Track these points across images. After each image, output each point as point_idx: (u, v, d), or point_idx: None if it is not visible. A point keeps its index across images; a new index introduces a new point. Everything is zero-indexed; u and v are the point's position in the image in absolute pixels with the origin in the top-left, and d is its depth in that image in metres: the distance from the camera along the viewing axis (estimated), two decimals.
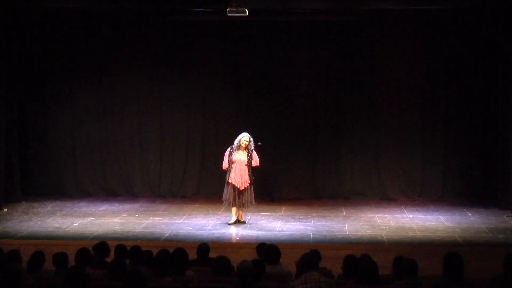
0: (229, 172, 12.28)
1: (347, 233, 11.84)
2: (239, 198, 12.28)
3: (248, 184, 12.30)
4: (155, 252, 7.29)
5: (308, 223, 12.61)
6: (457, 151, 14.99)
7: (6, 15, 14.05)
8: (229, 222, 12.42)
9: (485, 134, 14.77)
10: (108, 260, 7.64)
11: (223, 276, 6.77)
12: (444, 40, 14.88)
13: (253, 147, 12.39)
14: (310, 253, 6.82)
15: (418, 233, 11.82)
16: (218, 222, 12.65)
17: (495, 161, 14.28)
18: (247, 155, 12.30)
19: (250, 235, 11.62)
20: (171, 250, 7.30)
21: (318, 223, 12.62)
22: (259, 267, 6.64)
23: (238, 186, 12.25)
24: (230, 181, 12.27)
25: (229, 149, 12.40)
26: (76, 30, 15.18)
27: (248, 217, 12.89)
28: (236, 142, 12.36)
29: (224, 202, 12.43)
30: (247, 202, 12.35)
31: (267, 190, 15.03)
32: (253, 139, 12.57)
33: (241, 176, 12.25)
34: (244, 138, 12.33)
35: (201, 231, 11.85)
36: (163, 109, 15.42)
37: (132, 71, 15.35)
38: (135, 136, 15.46)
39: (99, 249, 7.72)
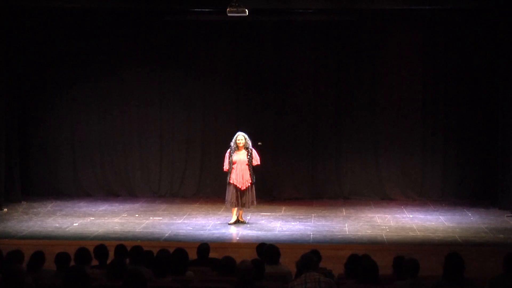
0: (230, 173, 12.28)
1: (347, 233, 11.84)
2: (241, 198, 12.28)
3: (249, 184, 12.30)
4: (155, 252, 7.29)
5: (308, 223, 12.61)
6: (457, 151, 15.00)
7: (6, 15, 14.05)
8: (229, 222, 12.42)
9: (485, 134, 14.77)
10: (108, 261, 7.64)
11: (228, 276, 6.77)
12: (444, 40, 14.88)
13: (251, 146, 12.40)
14: (310, 253, 6.82)
15: (418, 233, 11.83)
16: (218, 222, 12.65)
17: (495, 161, 14.27)
18: (247, 155, 12.31)
19: (250, 235, 11.62)
20: (171, 250, 7.30)
21: (318, 223, 12.62)
22: (259, 267, 6.64)
23: (240, 186, 12.24)
24: (231, 181, 12.27)
25: (228, 150, 12.40)
26: (76, 30, 15.19)
27: (248, 217, 12.89)
28: (232, 143, 12.36)
29: (227, 203, 12.42)
30: (248, 202, 12.35)
31: (267, 190, 15.02)
32: (253, 139, 12.60)
33: (242, 176, 12.26)
34: (238, 137, 12.35)
35: (201, 231, 11.85)
36: (163, 109, 15.42)
37: (132, 71, 15.35)
38: (135, 136, 15.45)
39: (98, 252, 7.71)
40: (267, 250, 7.65)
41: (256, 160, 12.44)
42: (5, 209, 13.68)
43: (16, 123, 14.70)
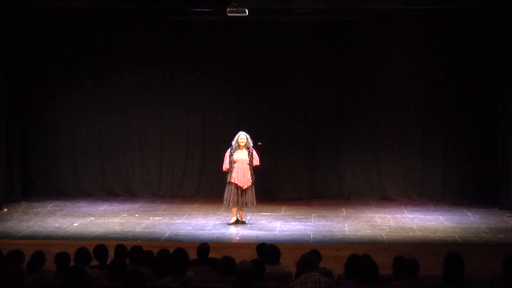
0: (231, 172, 12.27)
1: (347, 233, 11.84)
2: (241, 198, 12.27)
3: (250, 183, 12.30)
4: (155, 252, 7.29)
5: (308, 223, 12.61)
6: (457, 151, 15.00)
7: (6, 15, 14.05)
8: (229, 222, 12.42)
9: (485, 134, 14.77)
10: (108, 261, 7.64)
11: (228, 276, 6.78)
12: (444, 40, 14.87)
13: (252, 145, 12.41)
14: (310, 253, 6.82)
15: (418, 233, 11.83)
16: (218, 222, 12.65)
17: (495, 161, 14.27)
18: (248, 154, 12.31)
19: (250, 235, 11.62)
20: (171, 250, 7.30)
21: (318, 223, 12.62)
22: (259, 267, 6.65)
23: (241, 185, 12.24)
24: (232, 180, 12.25)
25: (229, 150, 12.40)
26: (76, 30, 15.19)
27: (248, 217, 12.89)
28: (234, 142, 12.37)
29: (225, 202, 12.40)
30: (249, 202, 12.34)
31: (267, 190, 15.02)
32: (253, 139, 12.60)
33: (243, 175, 12.25)
34: (240, 136, 12.36)
35: (201, 231, 11.85)
36: (163, 109, 15.42)
37: (132, 71, 15.35)
38: (135, 136, 15.45)
39: (98, 252, 7.71)
40: (267, 250, 7.65)
41: (256, 161, 12.44)
42: (5, 209, 13.68)
43: (16, 123, 14.70)
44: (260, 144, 13.72)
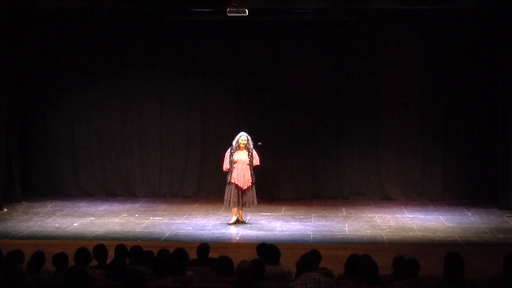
0: (231, 172, 12.27)
1: (347, 233, 11.84)
2: (242, 198, 12.28)
3: (250, 184, 12.31)
4: (155, 252, 7.29)
5: (308, 223, 12.61)
6: (457, 151, 15.00)
7: (6, 15, 14.05)
8: (229, 222, 12.42)
9: (485, 134, 14.78)
10: (108, 261, 7.64)
11: (225, 276, 6.78)
12: (444, 40, 14.88)
13: (252, 146, 12.41)
14: (310, 253, 6.82)
15: (418, 233, 11.83)
16: (218, 222, 12.65)
17: (495, 161, 14.28)
18: (248, 154, 12.32)
19: (250, 235, 11.63)
20: (171, 250, 7.30)
21: (318, 223, 12.62)
22: (259, 267, 6.65)
23: (241, 186, 12.24)
24: (232, 181, 12.26)
25: (229, 150, 12.40)
26: (76, 30, 15.19)
27: (248, 217, 12.89)
28: (234, 142, 12.37)
29: (226, 202, 12.40)
30: (249, 202, 12.35)
31: (267, 190, 15.02)
32: (253, 139, 12.61)
33: (244, 175, 12.26)
34: (241, 137, 12.36)
35: (201, 231, 11.85)
36: (163, 109, 15.42)
37: (132, 71, 15.35)
38: (135, 136, 15.45)
39: (97, 252, 7.71)
40: (267, 250, 7.65)
41: (257, 160, 12.45)
42: (5, 209, 13.68)
43: (16, 123, 14.70)
44: (260, 144, 13.72)
